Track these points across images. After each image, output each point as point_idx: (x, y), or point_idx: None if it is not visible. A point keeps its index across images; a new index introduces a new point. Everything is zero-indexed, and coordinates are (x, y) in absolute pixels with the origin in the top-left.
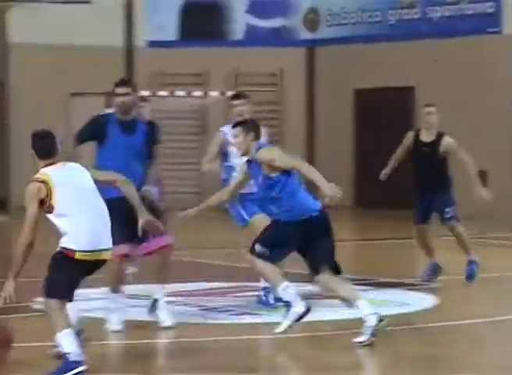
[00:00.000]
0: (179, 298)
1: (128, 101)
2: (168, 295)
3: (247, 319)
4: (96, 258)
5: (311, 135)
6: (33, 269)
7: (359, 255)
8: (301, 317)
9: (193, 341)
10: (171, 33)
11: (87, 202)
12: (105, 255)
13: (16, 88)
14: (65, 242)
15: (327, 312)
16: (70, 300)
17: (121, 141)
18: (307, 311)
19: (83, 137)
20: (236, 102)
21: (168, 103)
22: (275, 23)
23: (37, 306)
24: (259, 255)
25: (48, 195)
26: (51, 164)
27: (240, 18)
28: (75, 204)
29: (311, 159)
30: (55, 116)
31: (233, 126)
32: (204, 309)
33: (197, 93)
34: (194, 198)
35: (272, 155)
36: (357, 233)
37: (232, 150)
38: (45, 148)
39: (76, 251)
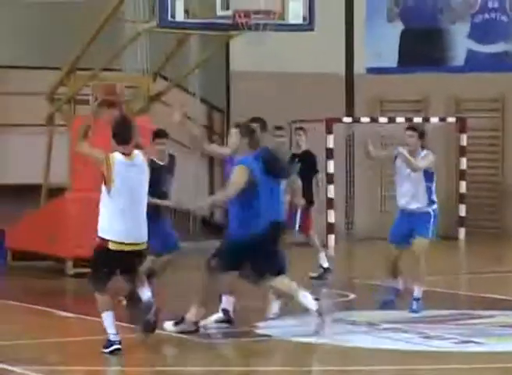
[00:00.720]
0: (398, 325)
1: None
2: (387, 322)
3: (472, 348)
4: (126, 249)
5: None
6: (252, 295)
7: None
8: None
9: (410, 368)
10: (391, 59)
11: (130, 198)
12: (136, 247)
13: (238, 116)
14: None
15: None
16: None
17: None
18: None
19: None
20: (407, 133)
21: (388, 129)
22: (497, 48)
23: (260, 331)
24: None
25: (107, 170)
26: (124, 153)
27: (460, 43)
28: (120, 194)
29: None
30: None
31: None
32: (424, 337)
33: (417, 119)
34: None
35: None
36: None
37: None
38: (121, 134)
39: (109, 240)
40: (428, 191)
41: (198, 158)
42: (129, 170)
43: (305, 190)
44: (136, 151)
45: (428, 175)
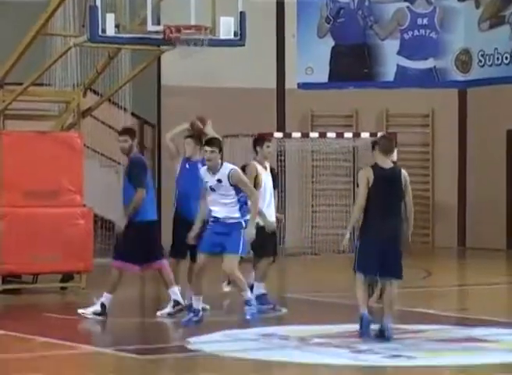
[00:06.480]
0: (330, 340)
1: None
2: (319, 337)
3: (402, 362)
4: None
5: (463, 176)
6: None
7: None
8: None
9: None
10: (322, 74)
11: None
12: None
13: (168, 131)
14: None
15: (473, 357)
16: None
17: None
18: None
19: None
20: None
21: (319, 144)
22: (427, 64)
23: (191, 346)
24: None
25: None
26: None
27: (391, 59)
28: None
29: (463, 199)
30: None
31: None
32: (355, 351)
33: (348, 134)
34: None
35: None
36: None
37: None
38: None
39: None
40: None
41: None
42: None
43: None
44: None
45: None
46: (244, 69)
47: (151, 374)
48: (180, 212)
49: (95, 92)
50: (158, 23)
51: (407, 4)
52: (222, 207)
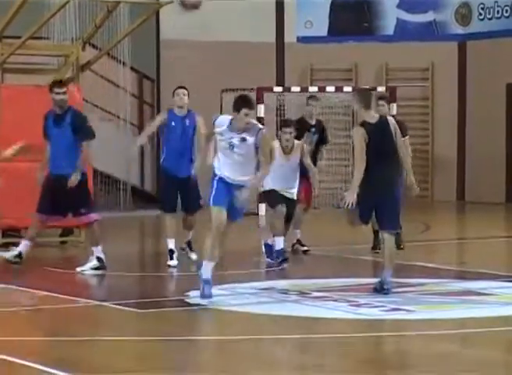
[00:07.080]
0: (329, 294)
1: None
2: (318, 291)
3: (401, 316)
4: None
5: (463, 130)
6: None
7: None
8: None
9: (341, 336)
10: (321, 28)
11: None
12: None
13: (167, 85)
14: None
15: (472, 310)
16: None
17: None
18: None
19: None
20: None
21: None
22: (427, 17)
23: (190, 300)
24: None
25: None
26: None
27: (390, 13)
28: None
29: (462, 154)
30: (205, 112)
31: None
32: (354, 305)
33: (348, 88)
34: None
35: None
36: (510, 230)
37: None
38: None
39: None
40: None
41: (128, 129)
42: None
43: None
44: None
45: None
46: (243, 23)
47: (150, 328)
48: (169, 168)
49: (94, 46)
50: None
51: None
52: (236, 170)
